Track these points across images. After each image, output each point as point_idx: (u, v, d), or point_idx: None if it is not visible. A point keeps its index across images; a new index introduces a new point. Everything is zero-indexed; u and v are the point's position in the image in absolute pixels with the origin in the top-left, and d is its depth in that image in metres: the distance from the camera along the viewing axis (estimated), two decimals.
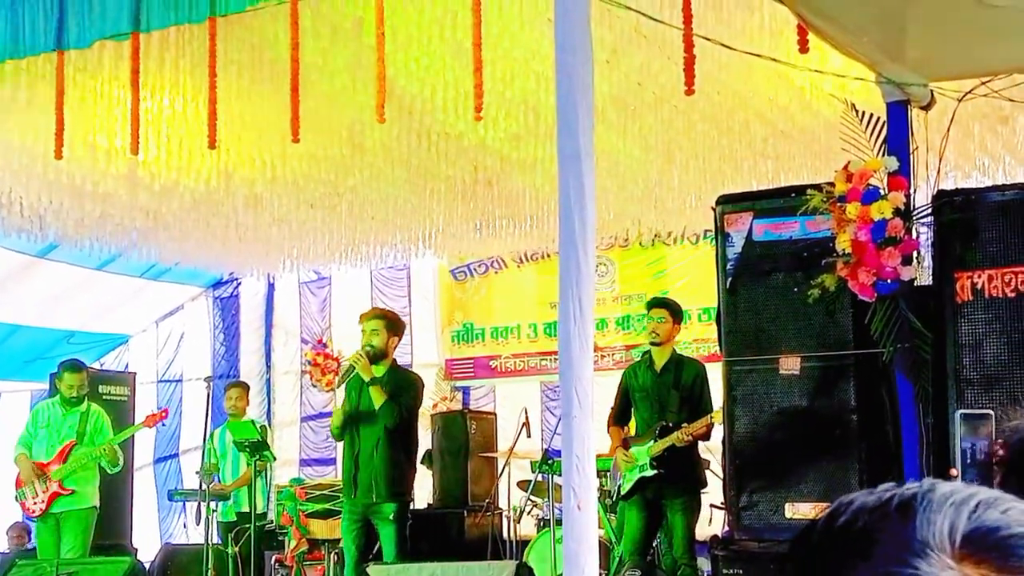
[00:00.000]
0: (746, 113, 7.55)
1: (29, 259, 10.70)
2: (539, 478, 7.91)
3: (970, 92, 5.72)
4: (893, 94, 5.52)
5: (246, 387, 10.45)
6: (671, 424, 7.14)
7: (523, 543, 8.83)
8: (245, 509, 9.12)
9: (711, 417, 6.97)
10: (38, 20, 5.55)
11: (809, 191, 5.40)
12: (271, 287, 13.18)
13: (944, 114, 5.78)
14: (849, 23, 5.04)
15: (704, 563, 7.62)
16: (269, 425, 11.21)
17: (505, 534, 9.54)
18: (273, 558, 9.02)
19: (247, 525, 8.60)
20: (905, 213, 5.18)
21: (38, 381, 11.57)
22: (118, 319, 12.76)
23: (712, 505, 8.39)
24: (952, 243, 5.38)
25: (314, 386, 12.42)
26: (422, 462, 10.49)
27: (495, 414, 10.98)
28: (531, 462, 8.48)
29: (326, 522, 8.63)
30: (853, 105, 5.46)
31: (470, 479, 9.98)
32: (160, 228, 10.03)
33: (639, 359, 7.69)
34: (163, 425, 10.14)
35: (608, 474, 7.67)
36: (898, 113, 5.50)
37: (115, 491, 9.31)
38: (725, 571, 5.84)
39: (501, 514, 9.59)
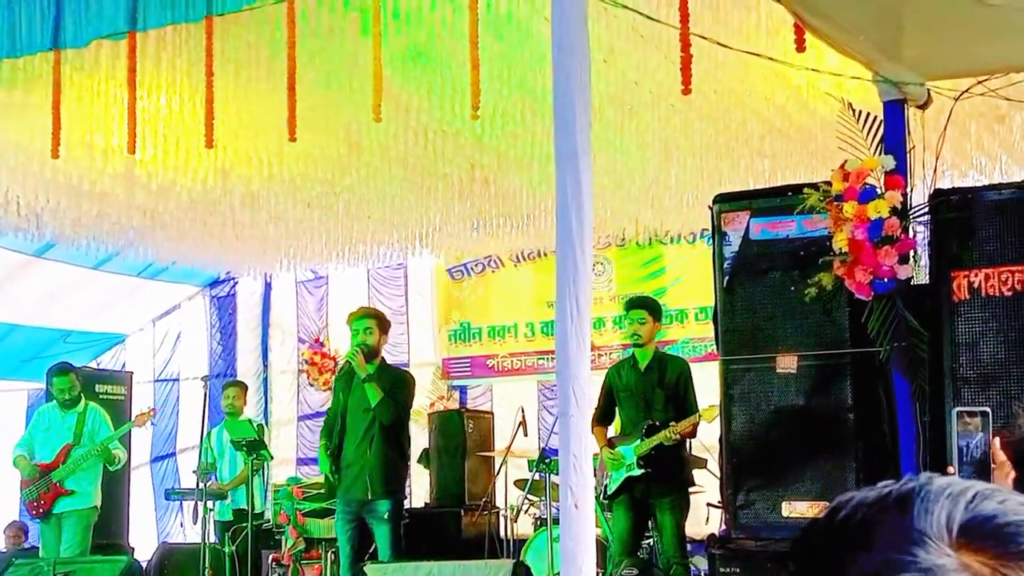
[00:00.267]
0: (743, 112, 7.55)
1: (26, 258, 10.69)
2: (536, 477, 7.91)
3: (967, 91, 5.73)
4: (890, 93, 5.52)
5: (244, 386, 10.46)
6: (657, 423, 7.14)
7: (520, 542, 8.83)
8: (242, 508, 9.12)
9: (700, 415, 6.98)
10: (35, 19, 5.54)
11: (806, 190, 5.41)
12: (268, 286, 13.18)
13: (941, 113, 5.79)
14: (846, 22, 5.04)
15: (701, 562, 7.63)
16: (266, 424, 11.21)
17: (502, 533, 9.55)
18: (270, 557, 9.01)
19: (244, 524, 8.60)
20: (902, 212, 5.19)
21: (35, 380, 11.57)
22: (115, 318, 12.75)
23: (709, 504, 8.40)
24: (949, 242, 5.38)
25: (311, 385, 12.47)
26: (419, 461, 10.50)
27: (492, 413, 10.99)
28: (528, 461, 8.48)
29: (323, 521, 8.62)
30: (850, 104, 5.46)
31: (467, 478, 9.98)
32: (157, 227, 10.02)
33: (623, 358, 7.71)
34: (152, 424, 10.13)
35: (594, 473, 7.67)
36: (895, 112, 5.51)
37: (112, 490, 9.32)
38: (722, 570, 5.85)
39: (498, 513, 9.59)
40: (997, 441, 2.32)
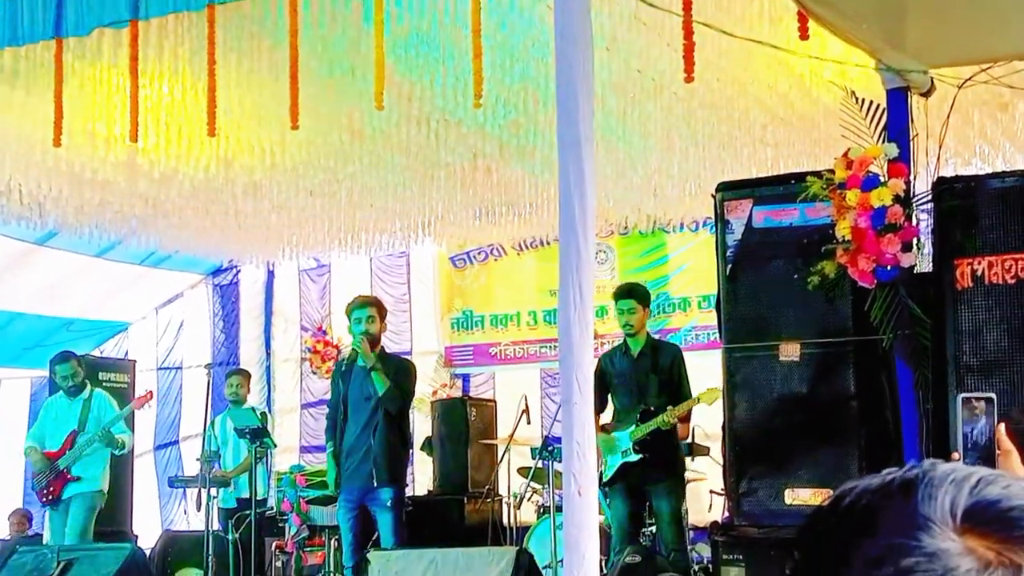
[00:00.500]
0: (746, 100, 7.54)
1: (28, 246, 10.69)
2: (539, 464, 7.93)
3: (970, 79, 5.72)
4: (893, 81, 5.52)
5: (247, 375, 10.48)
6: (652, 408, 7.16)
7: (523, 529, 8.85)
8: (246, 496, 9.15)
9: (699, 398, 7.00)
10: (36, 8, 5.53)
11: (809, 178, 5.41)
12: (271, 274, 13.18)
13: (944, 101, 5.78)
14: (849, 10, 5.03)
15: (704, 549, 7.64)
16: (269, 412, 11.23)
17: (505, 520, 9.56)
18: (273, 544, 9.04)
19: (247, 512, 8.61)
20: (905, 200, 5.18)
21: (38, 368, 11.58)
22: (118, 306, 12.76)
23: (712, 491, 8.41)
24: (952, 230, 5.38)
25: (314, 373, 12.47)
26: (422, 448, 10.53)
27: (495, 401, 11.00)
28: (531, 449, 8.50)
29: (326, 508, 8.65)
30: (853, 92, 5.46)
31: (470, 466, 10.00)
32: (159, 215, 10.02)
33: (614, 346, 7.73)
34: (149, 407, 10.13)
35: None
36: (898, 100, 5.51)
37: (116, 478, 9.34)
38: (725, 557, 5.86)
39: (501, 501, 9.61)
40: (1003, 427, 2.31)
